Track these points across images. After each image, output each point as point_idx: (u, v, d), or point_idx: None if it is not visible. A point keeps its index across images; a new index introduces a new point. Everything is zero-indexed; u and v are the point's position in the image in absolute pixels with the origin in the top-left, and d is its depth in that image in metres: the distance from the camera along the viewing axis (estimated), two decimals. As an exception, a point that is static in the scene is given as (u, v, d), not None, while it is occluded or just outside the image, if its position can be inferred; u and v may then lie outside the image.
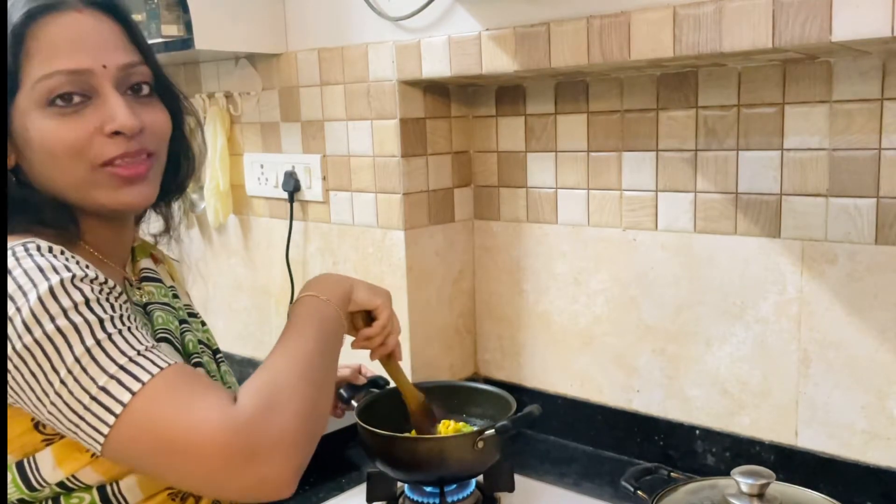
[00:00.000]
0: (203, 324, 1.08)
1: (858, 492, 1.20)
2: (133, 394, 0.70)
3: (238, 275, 1.89)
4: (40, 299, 0.71)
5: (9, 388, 0.72)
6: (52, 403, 0.70)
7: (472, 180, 1.62)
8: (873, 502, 1.19)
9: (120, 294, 0.78)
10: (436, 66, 1.39)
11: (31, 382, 0.71)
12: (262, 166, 1.75)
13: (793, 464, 1.25)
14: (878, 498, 1.19)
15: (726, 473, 1.04)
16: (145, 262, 0.99)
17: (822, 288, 1.20)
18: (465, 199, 1.61)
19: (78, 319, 0.71)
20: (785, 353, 1.25)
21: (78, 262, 0.77)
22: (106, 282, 0.77)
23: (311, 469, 1.41)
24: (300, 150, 1.67)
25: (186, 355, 0.93)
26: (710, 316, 1.32)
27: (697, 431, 1.36)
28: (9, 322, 0.70)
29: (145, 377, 0.71)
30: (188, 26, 1.54)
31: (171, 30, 1.58)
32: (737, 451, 1.32)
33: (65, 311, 0.71)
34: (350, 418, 1.32)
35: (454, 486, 1.26)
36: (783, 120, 1.21)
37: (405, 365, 1.56)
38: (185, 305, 1.04)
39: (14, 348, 0.70)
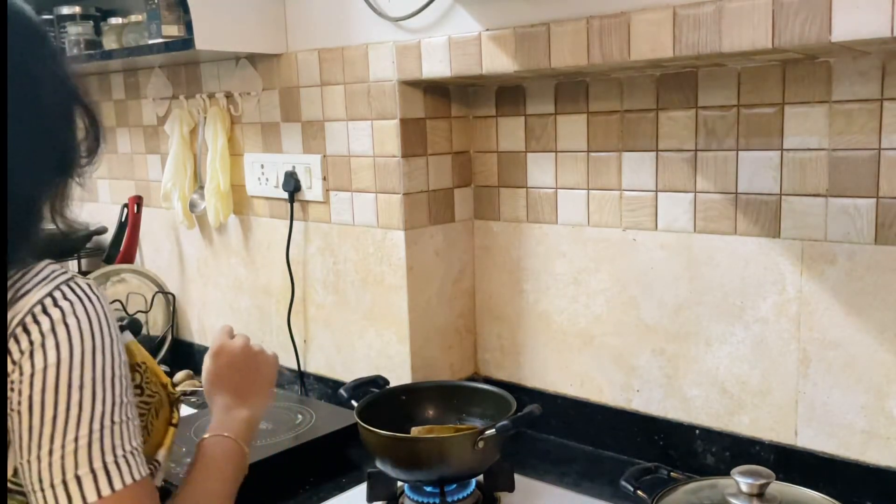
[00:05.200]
0: None
1: (858, 491, 1.20)
2: (99, 497, 0.73)
3: (238, 275, 1.89)
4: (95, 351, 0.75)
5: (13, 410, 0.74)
6: (34, 459, 0.73)
7: (472, 180, 1.62)
8: (873, 502, 1.19)
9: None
10: (436, 67, 1.39)
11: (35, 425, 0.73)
12: (262, 166, 1.75)
13: (792, 463, 1.25)
14: (877, 497, 1.19)
15: (726, 473, 1.04)
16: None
17: (822, 288, 1.21)
18: (465, 199, 1.61)
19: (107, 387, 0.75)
20: (784, 353, 1.25)
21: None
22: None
23: (312, 469, 1.43)
24: (300, 150, 1.68)
25: None
26: (710, 316, 1.32)
27: (697, 431, 1.36)
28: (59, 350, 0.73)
29: (118, 485, 0.74)
30: (189, 26, 1.55)
31: (172, 30, 1.59)
32: (736, 450, 1.32)
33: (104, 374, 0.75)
34: (350, 418, 1.32)
35: (454, 485, 1.26)
36: (783, 120, 1.21)
37: (405, 365, 1.56)
38: None
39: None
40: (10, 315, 0.72)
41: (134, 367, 0.86)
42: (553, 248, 1.50)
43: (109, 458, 0.74)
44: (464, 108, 1.59)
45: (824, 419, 1.23)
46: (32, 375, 0.72)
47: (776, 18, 1.01)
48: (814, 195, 1.19)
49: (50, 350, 0.72)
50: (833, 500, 1.02)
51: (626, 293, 1.42)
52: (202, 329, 2.02)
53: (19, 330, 0.72)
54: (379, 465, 1.25)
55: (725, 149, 1.27)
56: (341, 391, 1.39)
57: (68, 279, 0.77)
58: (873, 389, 1.18)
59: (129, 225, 2.03)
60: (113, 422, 0.74)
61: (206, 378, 1.06)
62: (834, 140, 1.17)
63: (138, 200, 2.04)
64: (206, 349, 1.94)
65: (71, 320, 0.74)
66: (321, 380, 1.75)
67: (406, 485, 1.28)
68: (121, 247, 2.03)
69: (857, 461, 1.21)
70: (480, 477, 1.28)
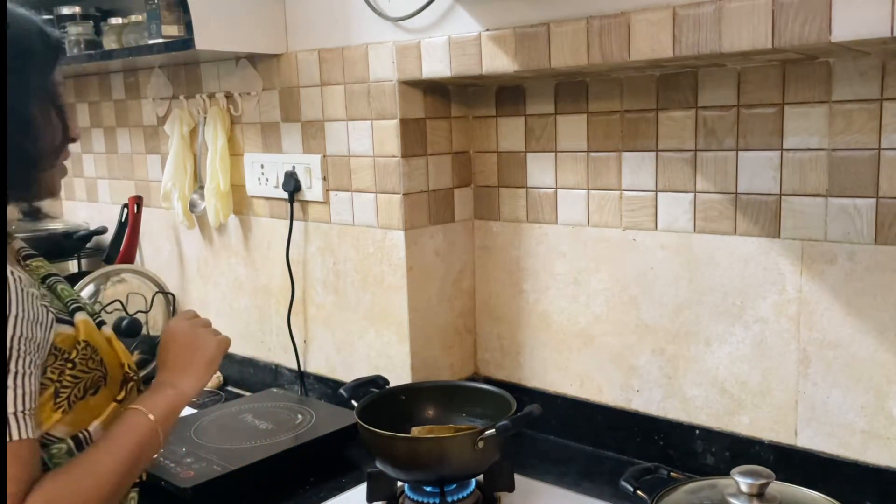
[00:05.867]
0: None
1: (858, 491, 1.20)
2: None
3: (238, 275, 1.89)
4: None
5: None
6: None
7: (472, 180, 1.62)
8: (872, 502, 1.19)
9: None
10: (436, 67, 1.39)
11: None
12: (262, 166, 1.75)
13: (792, 463, 1.25)
14: (877, 497, 1.19)
15: (726, 473, 1.04)
16: (19, 243, 1.05)
17: (822, 288, 1.21)
18: (465, 199, 1.61)
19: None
20: (784, 353, 1.25)
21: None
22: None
23: (312, 469, 1.43)
24: (300, 150, 1.68)
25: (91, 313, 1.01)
26: (710, 316, 1.32)
27: (697, 431, 1.36)
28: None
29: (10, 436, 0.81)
30: (189, 27, 1.55)
31: (172, 30, 1.59)
32: (736, 450, 1.32)
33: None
34: (350, 418, 1.32)
35: (454, 485, 1.26)
36: (783, 120, 1.21)
37: (406, 365, 1.56)
38: None
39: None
40: None
41: (74, 343, 0.92)
42: (553, 248, 1.50)
43: (11, 409, 0.80)
44: (464, 108, 1.59)
45: (824, 419, 1.23)
46: None
47: (776, 18, 1.01)
48: (814, 195, 1.19)
49: None
50: (833, 500, 1.02)
51: (626, 293, 1.42)
52: (202, 329, 2.01)
53: None
54: (379, 465, 1.25)
55: (725, 149, 1.27)
56: (341, 391, 1.39)
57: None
58: (873, 389, 1.18)
59: (129, 225, 2.03)
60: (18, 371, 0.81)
61: (161, 341, 1.09)
62: (834, 140, 1.17)
63: (138, 200, 2.04)
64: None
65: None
66: (321, 380, 1.75)
67: (406, 485, 1.28)
68: (121, 247, 2.03)
69: (857, 461, 1.21)
70: (480, 477, 1.28)
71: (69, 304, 0.98)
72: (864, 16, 0.94)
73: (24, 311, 0.83)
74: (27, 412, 0.82)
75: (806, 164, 1.19)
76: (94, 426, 0.94)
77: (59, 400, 0.90)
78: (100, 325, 1.00)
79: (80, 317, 0.95)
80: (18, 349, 0.82)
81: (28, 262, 1.03)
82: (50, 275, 1.03)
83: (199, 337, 1.09)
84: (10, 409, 0.81)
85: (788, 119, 1.20)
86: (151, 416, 0.96)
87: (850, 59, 1.13)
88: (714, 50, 1.07)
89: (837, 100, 1.15)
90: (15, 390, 0.82)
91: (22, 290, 0.84)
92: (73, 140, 0.97)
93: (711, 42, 1.07)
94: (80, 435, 0.92)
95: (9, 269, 0.84)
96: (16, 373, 0.82)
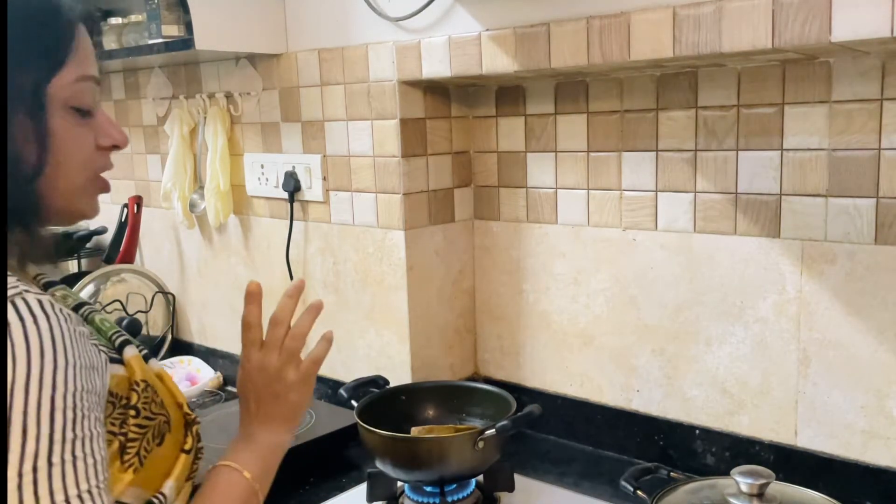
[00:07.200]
0: None
1: (858, 492, 1.20)
2: None
3: (238, 275, 1.89)
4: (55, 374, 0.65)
5: None
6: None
7: (472, 180, 1.62)
8: (873, 502, 1.19)
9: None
10: (436, 67, 1.39)
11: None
12: (262, 166, 1.75)
13: (792, 463, 1.25)
14: (877, 498, 1.19)
15: (726, 473, 1.04)
16: (34, 269, 0.89)
17: (822, 288, 1.21)
18: (465, 199, 1.61)
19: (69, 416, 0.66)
20: (784, 353, 1.25)
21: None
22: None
23: (312, 469, 1.42)
24: (300, 150, 1.68)
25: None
26: (710, 316, 1.32)
27: (697, 431, 1.36)
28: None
29: None
30: (188, 27, 1.54)
31: (172, 30, 1.59)
32: (736, 450, 1.32)
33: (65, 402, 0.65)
34: (350, 418, 1.32)
35: (454, 485, 1.26)
36: (783, 120, 1.21)
37: (406, 365, 1.56)
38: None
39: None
40: None
41: (131, 385, 0.77)
42: (553, 248, 1.50)
43: (74, 492, 0.64)
44: (464, 108, 1.59)
45: (824, 419, 1.23)
46: None
47: (776, 18, 1.01)
48: (814, 195, 1.19)
49: None
50: (833, 500, 1.02)
51: (626, 293, 1.42)
52: (202, 329, 2.02)
53: None
54: (379, 465, 1.25)
55: (725, 149, 1.27)
56: (341, 391, 1.39)
57: (15, 295, 0.66)
58: (873, 389, 1.18)
59: (129, 225, 2.03)
60: (50, 463, 0.63)
61: (238, 382, 0.94)
62: (834, 140, 1.17)
63: (138, 200, 2.04)
64: (206, 349, 1.94)
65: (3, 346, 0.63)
66: (321, 380, 1.75)
67: (406, 485, 1.28)
68: (121, 247, 2.03)
69: (857, 461, 1.21)
70: (480, 477, 1.28)
71: (114, 337, 0.82)
72: (864, 16, 0.94)
73: (80, 356, 0.67)
74: (101, 485, 0.66)
75: (806, 164, 1.19)
76: (168, 487, 0.79)
77: (126, 457, 0.75)
78: (146, 357, 0.83)
79: (129, 352, 0.79)
80: (81, 407, 0.66)
81: (54, 290, 0.87)
82: (81, 304, 0.88)
83: (281, 382, 0.91)
84: (84, 487, 0.65)
85: (788, 119, 1.20)
86: (247, 474, 0.85)
87: (850, 59, 1.13)
88: (714, 50, 1.07)
89: (837, 100, 1.15)
90: (85, 460, 0.65)
91: (74, 332, 0.67)
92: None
93: (711, 42, 1.07)
94: (156, 501, 0.77)
95: (47, 301, 0.67)
96: (82, 438, 0.66)
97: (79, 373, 0.67)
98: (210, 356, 1.97)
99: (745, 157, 1.25)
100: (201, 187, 1.86)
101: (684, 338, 1.36)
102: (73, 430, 0.65)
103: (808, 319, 1.22)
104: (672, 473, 1.17)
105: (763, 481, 0.99)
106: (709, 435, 1.35)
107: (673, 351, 1.37)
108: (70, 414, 0.65)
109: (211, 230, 1.92)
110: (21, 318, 0.64)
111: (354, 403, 1.33)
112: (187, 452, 0.83)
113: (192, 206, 1.89)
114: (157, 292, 2.00)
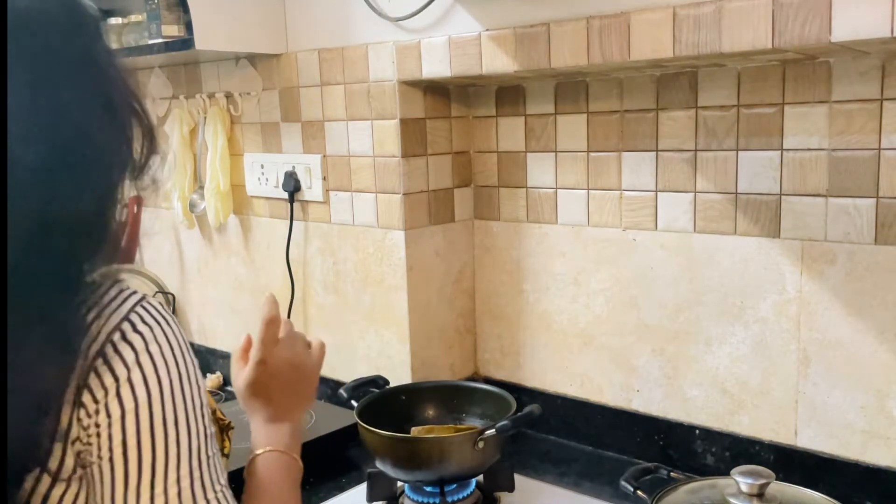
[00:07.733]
0: None
1: (858, 492, 1.20)
2: None
3: (238, 275, 1.89)
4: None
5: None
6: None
7: (472, 180, 1.62)
8: (873, 502, 1.19)
9: None
10: (436, 67, 1.39)
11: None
12: (262, 166, 1.75)
13: (792, 463, 1.25)
14: (877, 498, 1.19)
15: (726, 473, 1.04)
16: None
17: (822, 288, 1.21)
18: (465, 199, 1.61)
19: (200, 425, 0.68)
20: (784, 353, 1.25)
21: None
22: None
23: (312, 469, 1.42)
24: (300, 150, 1.68)
25: None
26: (710, 316, 1.32)
27: (697, 431, 1.36)
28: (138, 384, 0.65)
29: None
30: (188, 27, 1.54)
31: (172, 30, 1.59)
32: (736, 450, 1.32)
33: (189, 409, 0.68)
34: (350, 418, 1.32)
35: (454, 485, 1.26)
36: (783, 120, 1.21)
37: (405, 365, 1.56)
38: None
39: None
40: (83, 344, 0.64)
41: None
42: (553, 248, 1.50)
43: (211, 496, 0.67)
44: (464, 108, 1.59)
45: (824, 419, 1.23)
46: (123, 417, 0.63)
47: (776, 18, 1.01)
48: (814, 195, 1.19)
49: (138, 385, 0.64)
50: (833, 500, 1.02)
51: (626, 293, 1.42)
52: (202, 329, 2.02)
53: (99, 362, 0.63)
54: (379, 465, 1.25)
55: (725, 149, 1.27)
56: (341, 391, 1.39)
57: (140, 299, 0.68)
58: (873, 389, 1.18)
59: (129, 225, 2.03)
60: (208, 455, 0.68)
61: (246, 387, 0.95)
62: (834, 140, 1.17)
63: (138, 200, 2.04)
64: (206, 349, 1.94)
65: (153, 348, 0.66)
66: (321, 380, 1.73)
67: (406, 485, 1.28)
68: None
69: (857, 461, 1.21)
70: (480, 477, 1.28)
71: None
72: (864, 16, 0.94)
73: (197, 373, 0.69)
74: (226, 484, 0.71)
75: (806, 164, 1.19)
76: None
77: None
78: None
79: None
80: (208, 426, 0.69)
81: None
82: None
83: (302, 366, 0.97)
84: (223, 480, 0.69)
85: (788, 119, 1.20)
86: (298, 459, 0.89)
87: (850, 59, 1.13)
88: (714, 50, 1.07)
89: (837, 100, 1.15)
90: (216, 457, 0.70)
91: (189, 348, 0.69)
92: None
93: (711, 42, 1.07)
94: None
95: (154, 300, 0.69)
96: (212, 435, 0.69)
97: (199, 369, 0.70)
98: (210, 356, 1.97)
99: (745, 157, 1.25)
100: (201, 187, 1.86)
101: (684, 338, 1.36)
102: (211, 424, 0.70)
103: (808, 319, 1.22)
104: (672, 473, 1.17)
105: (763, 481, 0.99)
106: (709, 435, 1.35)
107: (673, 351, 1.37)
108: (207, 410, 0.69)
109: (211, 230, 1.92)
110: (157, 322, 0.67)
111: (354, 403, 1.33)
112: (227, 457, 0.88)
113: (192, 206, 1.89)
114: (156, 292, 2.00)
